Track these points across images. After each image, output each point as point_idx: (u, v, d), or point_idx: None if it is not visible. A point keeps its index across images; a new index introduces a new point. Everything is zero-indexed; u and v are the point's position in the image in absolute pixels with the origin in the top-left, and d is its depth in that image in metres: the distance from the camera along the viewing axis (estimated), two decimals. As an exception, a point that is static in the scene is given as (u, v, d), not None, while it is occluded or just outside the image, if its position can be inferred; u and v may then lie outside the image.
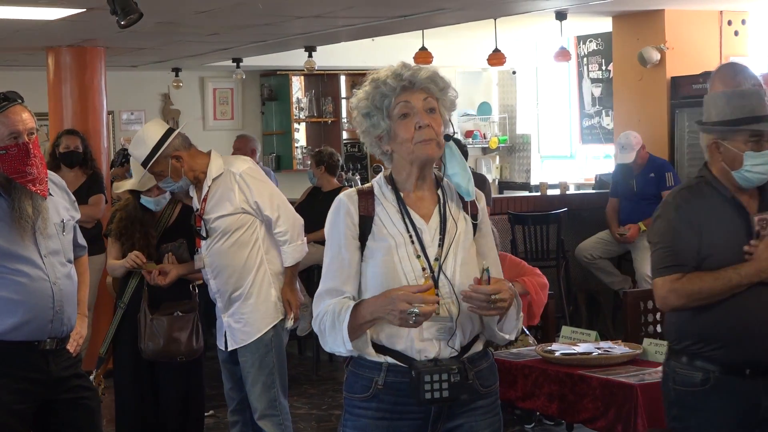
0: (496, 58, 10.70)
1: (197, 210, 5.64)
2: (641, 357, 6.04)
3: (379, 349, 3.32)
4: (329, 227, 3.39)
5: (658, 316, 7.59)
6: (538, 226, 9.74)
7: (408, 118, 3.30)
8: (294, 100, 14.02)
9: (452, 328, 3.30)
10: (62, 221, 4.47)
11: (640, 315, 7.49)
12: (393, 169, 3.41)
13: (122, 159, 11.42)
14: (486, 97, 15.11)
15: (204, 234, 5.58)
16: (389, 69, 3.33)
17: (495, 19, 9.92)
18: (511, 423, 7.35)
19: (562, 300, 9.58)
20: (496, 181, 14.72)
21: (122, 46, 10.08)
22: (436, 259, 3.32)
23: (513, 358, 6.36)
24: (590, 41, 13.16)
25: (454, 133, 3.43)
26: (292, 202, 6.12)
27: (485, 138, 14.83)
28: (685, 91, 9.83)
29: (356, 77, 13.81)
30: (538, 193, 11.45)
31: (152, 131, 5.58)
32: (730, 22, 10.25)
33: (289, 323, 5.72)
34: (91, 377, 5.90)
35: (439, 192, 3.43)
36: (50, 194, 4.44)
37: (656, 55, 9.96)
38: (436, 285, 3.28)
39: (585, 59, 13.32)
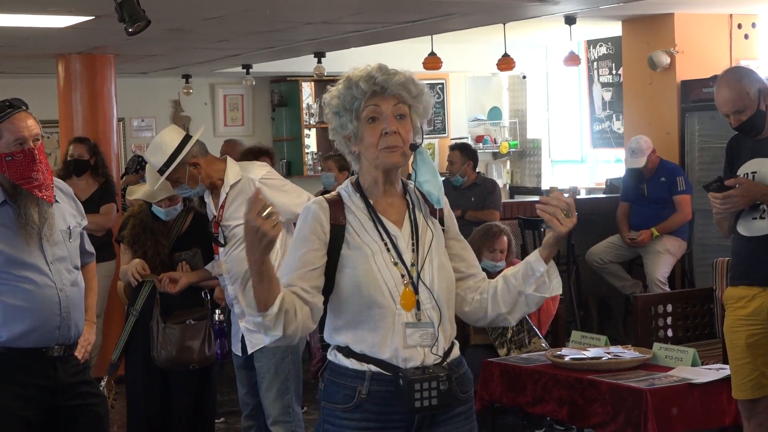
0: (506, 63, 10.69)
1: (214, 217, 5.62)
2: (651, 361, 6.02)
3: (360, 357, 3.25)
4: (296, 233, 3.31)
5: (669, 320, 7.58)
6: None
7: (376, 123, 3.24)
8: (304, 106, 14.03)
9: (434, 334, 3.26)
10: (69, 228, 4.48)
11: (650, 319, 7.50)
12: (360, 172, 3.36)
13: (136, 166, 11.50)
14: (496, 102, 15.10)
15: (222, 241, 5.57)
16: (364, 70, 3.28)
17: (504, 24, 9.91)
18: (521, 428, 7.33)
19: (573, 305, 9.57)
20: (507, 185, 14.70)
21: (132, 53, 10.09)
22: (413, 265, 3.27)
23: (523, 363, 6.36)
24: (600, 45, 13.15)
25: (421, 142, 3.33)
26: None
27: (496, 143, 14.82)
28: (695, 95, 9.81)
29: (366, 83, 13.79)
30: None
31: (169, 138, 5.57)
32: (740, 26, 10.23)
33: None
34: (103, 383, 5.93)
35: (408, 197, 3.38)
36: (56, 201, 4.45)
37: (666, 59, 9.94)
38: (415, 291, 3.25)
39: (595, 63, 13.30)
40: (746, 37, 10.26)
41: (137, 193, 6.10)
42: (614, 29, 11.31)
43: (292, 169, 14.20)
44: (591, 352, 6.13)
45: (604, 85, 13.22)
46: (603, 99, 13.24)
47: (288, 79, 13.90)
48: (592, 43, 13.24)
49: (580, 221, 10.16)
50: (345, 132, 3.30)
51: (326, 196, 3.37)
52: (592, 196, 12.33)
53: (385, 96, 3.25)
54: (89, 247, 4.77)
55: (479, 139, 14.66)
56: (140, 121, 13.37)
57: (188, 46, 9.70)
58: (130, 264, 6.00)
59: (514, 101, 15.09)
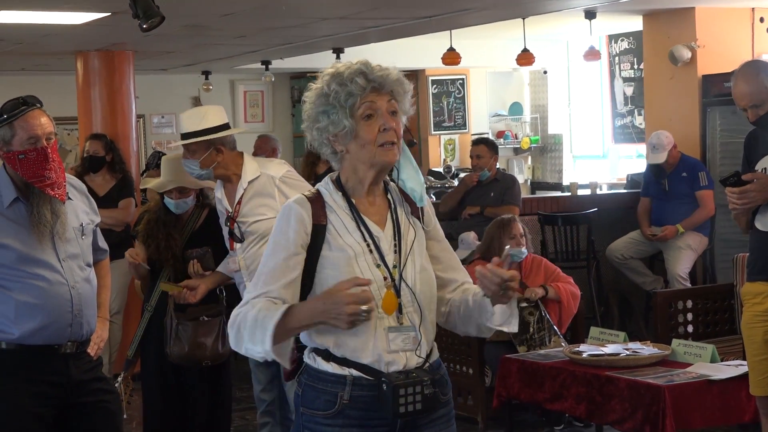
0: (525, 58, 10.65)
1: (229, 212, 5.58)
2: (670, 358, 5.99)
3: (340, 361, 3.18)
4: (277, 233, 3.22)
5: (689, 316, 7.54)
6: (568, 227, 9.67)
7: (372, 120, 3.17)
8: (324, 102, 13.98)
9: (416, 337, 3.20)
10: (81, 225, 4.47)
11: (670, 315, 7.45)
12: (343, 171, 3.27)
13: (157, 161, 11.55)
14: (517, 97, 15.06)
15: (239, 236, 5.54)
16: (350, 66, 3.20)
17: (523, 19, 9.87)
18: (540, 425, 7.30)
19: (593, 301, 9.52)
20: (528, 181, 14.65)
21: (151, 50, 10.10)
22: (395, 267, 3.21)
23: (541, 360, 6.33)
24: (621, 40, 13.08)
25: (414, 140, 3.30)
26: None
27: (517, 138, 14.78)
28: (716, 90, 9.73)
29: (386, 78, 13.78)
30: (568, 194, 11.37)
31: (213, 114, 5.55)
32: (762, 19, 10.14)
33: None
34: (119, 379, 5.93)
35: (389, 197, 3.32)
36: (69, 198, 4.44)
37: (687, 54, 9.87)
38: (397, 294, 3.18)
39: (617, 58, 13.24)
40: (768, 30, 10.19)
41: (149, 183, 6.09)
42: (636, 24, 11.26)
43: (313, 165, 14.17)
44: (609, 349, 6.10)
45: (625, 80, 13.16)
46: (625, 94, 13.18)
47: (308, 74, 13.88)
48: (613, 38, 13.18)
49: (601, 216, 10.07)
50: (336, 129, 3.19)
51: (305, 193, 3.28)
52: (612, 191, 12.28)
53: (381, 92, 3.19)
54: (102, 244, 4.76)
55: (500, 134, 14.61)
56: (160, 118, 13.38)
57: (207, 42, 9.70)
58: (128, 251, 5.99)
59: (536, 96, 15.04)
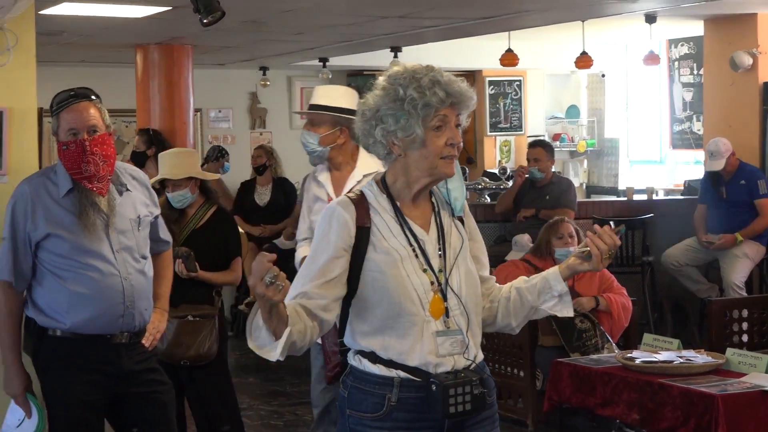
0: (584, 60, 10.60)
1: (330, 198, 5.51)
2: (724, 367, 5.90)
3: (387, 363, 3.16)
4: (321, 236, 3.19)
5: (744, 325, 7.44)
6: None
7: (441, 131, 3.14)
8: (380, 100, 13.99)
9: (464, 340, 3.18)
10: (138, 217, 4.46)
11: (725, 324, 7.36)
12: (391, 172, 3.24)
13: (216, 154, 11.67)
14: (574, 100, 14.99)
15: None
16: (424, 72, 3.14)
17: (583, 22, 9.81)
18: (590, 430, 7.25)
19: (647, 307, 9.45)
20: (584, 185, 14.58)
21: (209, 45, 10.16)
22: (440, 271, 3.19)
23: (593, 365, 6.28)
24: (682, 45, 12.97)
25: (473, 158, 3.28)
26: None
27: (573, 141, 14.71)
28: (777, 97, 9.64)
29: (443, 78, 13.77)
30: (624, 198, 11.30)
31: (349, 97, 5.45)
32: (825, 27, 10.02)
33: None
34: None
35: (433, 200, 3.30)
36: (128, 189, 4.45)
37: (748, 60, 9.76)
38: (444, 298, 3.16)
39: (676, 63, 13.12)
40: (832, 37, 10.05)
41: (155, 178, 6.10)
42: (696, 28, 11.15)
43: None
44: (662, 356, 6.04)
45: (684, 85, 13.04)
46: (683, 99, 13.07)
47: (364, 72, 13.90)
48: (673, 43, 13.07)
49: (657, 222, 9.98)
50: (404, 135, 3.15)
51: (349, 195, 3.26)
52: (669, 197, 12.17)
53: (454, 106, 3.17)
54: (164, 235, 4.76)
55: (556, 137, 14.55)
56: (217, 112, 13.44)
57: (265, 38, 9.74)
58: None
59: (593, 100, 14.96)
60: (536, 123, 14.58)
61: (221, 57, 11.71)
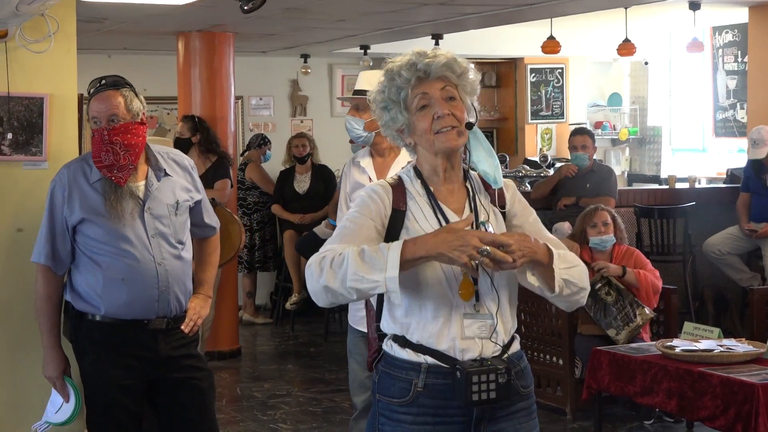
0: (626, 48, 10.52)
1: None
2: (765, 356, 5.88)
3: (416, 348, 3.16)
4: (363, 203, 3.21)
5: (786, 315, 7.39)
6: (664, 220, 9.55)
7: (426, 109, 3.18)
8: (422, 87, 13.97)
9: (493, 324, 3.16)
10: (177, 202, 4.46)
11: (767, 313, 7.31)
12: (418, 161, 3.30)
13: (259, 141, 11.69)
14: (617, 87, 14.90)
15: None
16: (403, 58, 3.21)
17: (626, 8, 9.74)
18: (629, 419, 7.23)
19: (688, 296, 9.40)
20: (625, 173, 14.48)
21: (251, 32, 10.17)
22: None
23: (632, 353, 6.27)
24: (726, 32, 12.85)
25: (476, 121, 3.26)
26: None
27: (615, 129, 14.62)
28: (822, 85, 9.54)
29: (483, 66, 13.74)
30: (666, 186, 11.23)
31: None
32: None
33: None
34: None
35: (468, 185, 3.30)
36: (168, 174, 4.47)
37: (793, 47, 9.68)
38: (475, 282, 3.15)
39: (720, 50, 13.01)
40: None
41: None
42: (741, 15, 11.05)
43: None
44: (703, 344, 6.01)
45: (728, 72, 12.93)
46: (727, 87, 12.95)
47: (406, 60, 13.85)
48: (717, 30, 12.95)
49: (699, 210, 9.92)
50: (397, 125, 3.25)
51: (388, 179, 3.30)
52: (711, 185, 12.09)
53: (430, 80, 3.19)
54: (209, 221, 4.72)
55: (598, 125, 14.47)
56: (258, 100, 13.46)
57: (306, 25, 9.74)
58: None
59: (635, 87, 14.86)
60: (578, 111, 14.50)
61: (263, 45, 11.72)
